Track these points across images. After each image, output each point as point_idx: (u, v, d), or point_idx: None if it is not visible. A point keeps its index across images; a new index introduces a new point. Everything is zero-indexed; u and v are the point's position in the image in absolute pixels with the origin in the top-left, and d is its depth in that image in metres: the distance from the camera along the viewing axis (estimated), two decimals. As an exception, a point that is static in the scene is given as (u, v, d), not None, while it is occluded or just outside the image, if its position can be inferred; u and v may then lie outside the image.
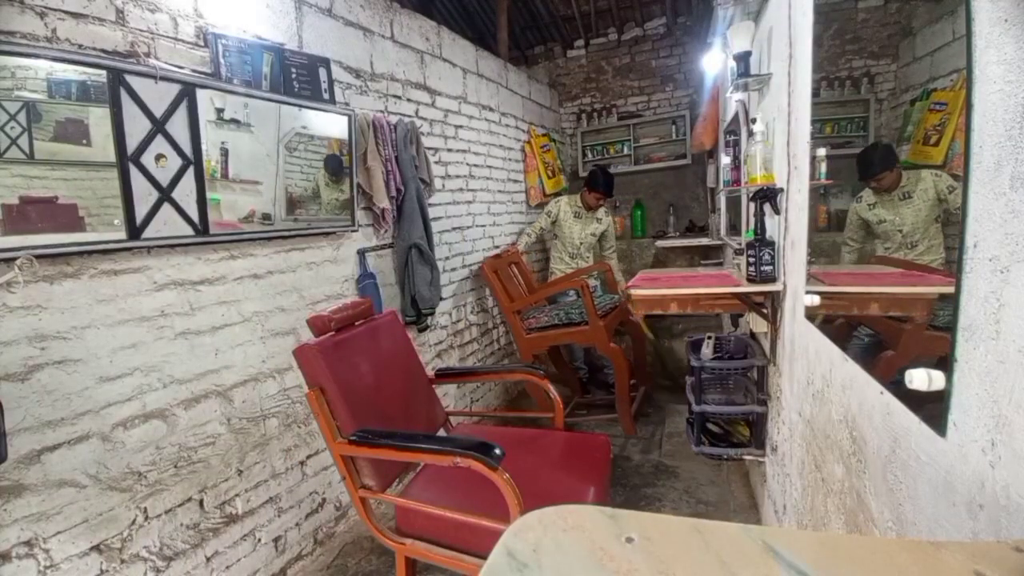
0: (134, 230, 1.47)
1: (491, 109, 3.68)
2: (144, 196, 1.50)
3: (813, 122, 1.26)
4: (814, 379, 1.26)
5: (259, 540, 1.87)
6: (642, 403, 3.25)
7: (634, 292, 1.85)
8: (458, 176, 3.26)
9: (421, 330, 2.80)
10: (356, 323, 1.76)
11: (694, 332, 2.51)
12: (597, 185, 3.49)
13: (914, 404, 0.73)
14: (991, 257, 0.56)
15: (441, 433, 1.94)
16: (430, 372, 2.02)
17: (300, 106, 1.98)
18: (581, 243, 3.65)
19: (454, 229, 3.20)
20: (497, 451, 1.29)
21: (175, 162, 1.57)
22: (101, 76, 1.38)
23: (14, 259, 1.22)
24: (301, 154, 2.02)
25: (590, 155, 5.09)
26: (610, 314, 3.02)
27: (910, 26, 0.90)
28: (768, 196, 1.61)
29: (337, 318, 1.65)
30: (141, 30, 1.51)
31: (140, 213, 1.49)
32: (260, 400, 1.89)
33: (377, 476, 1.51)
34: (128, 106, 1.44)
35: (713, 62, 2.86)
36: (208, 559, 1.69)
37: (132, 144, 1.46)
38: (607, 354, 2.92)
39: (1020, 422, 0.52)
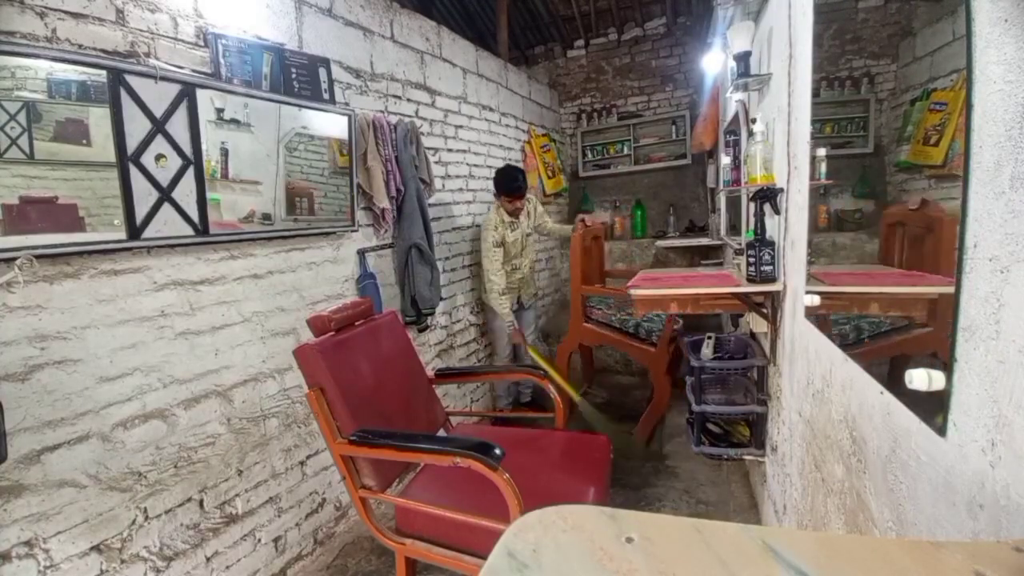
0: (134, 230, 1.47)
1: (491, 109, 3.68)
2: (144, 196, 1.50)
3: (813, 122, 1.25)
4: (814, 379, 1.26)
5: (259, 540, 1.87)
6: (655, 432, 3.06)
7: (634, 292, 1.85)
8: (458, 176, 3.26)
9: (421, 330, 2.80)
10: (356, 323, 1.76)
11: (694, 332, 2.51)
12: (511, 189, 2.97)
13: (914, 404, 0.73)
14: (991, 257, 0.56)
15: (441, 433, 1.94)
16: (430, 372, 2.01)
17: (300, 106, 1.98)
18: (523, 248, 3.27)
19: (454, 229, 3.20)
20: (497, 451, 1.29)
21: (175, 162, 1.57)
22: (101, 76, 1.38)
23: (14, 259, 1.22)
24: (301, 154, 2.02)
25: (590, 155, 5.10)
26: (673, 340, 2.89)
27: (910, 26, 0.90)
28: (768, 196, 1.61)
29: (337, 318, 1.65)
30: (141, 30, 1.51)
31: (140, 213, 1.49)
32: (260, 400, 1.89)
33: (377, 476, 1.51)
34: (128, 106, 1.44)
35: (713, 62, 2.86)
36: (208, 559, 1.69)
37: (132, 144, 1.46)
38: (657, 382, 2.75)
39: (1020, 422, 0.52)
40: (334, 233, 2.23)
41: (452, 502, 1.48)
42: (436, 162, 2.99)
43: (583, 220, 3.10)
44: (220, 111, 1.70)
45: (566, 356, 3.09)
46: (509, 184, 2.98)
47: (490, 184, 3.68)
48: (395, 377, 1.80)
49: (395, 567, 2.04)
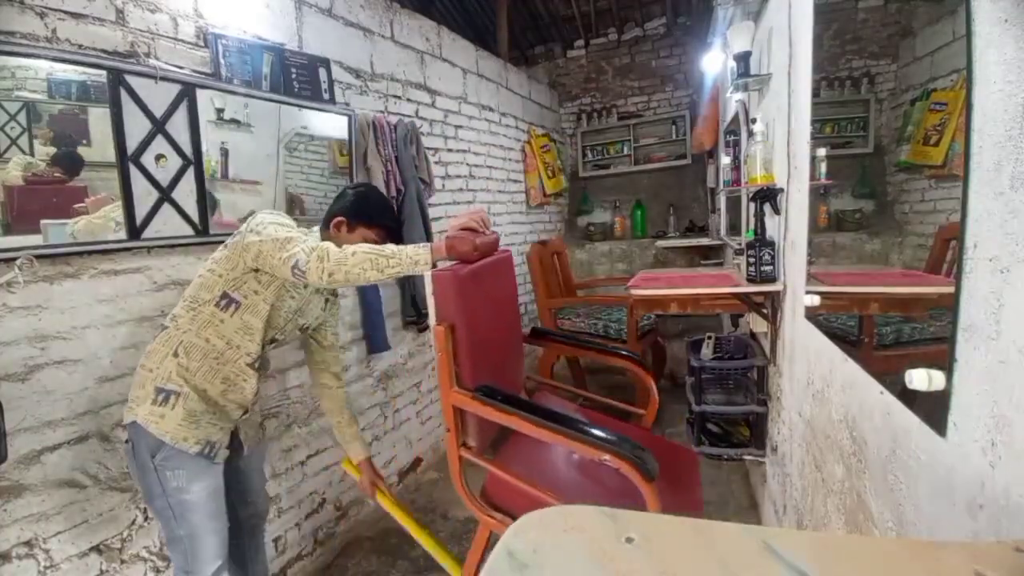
0: (134, 230, 1.47)
1: (491, 109, 3.68)
2: (144, 196, 1.50)
3: (813, 122, 1.26)
4: (814, 379, 1.26)
5: (259, 540, 1.87)
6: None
7: (634, 292, 1.85)
8: (458, 176, 3.26)
9: (421, 330, 2.80)
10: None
11: (694, 332, 2.51)
12: (378, 219, 1.46)
13: (914, 404, 0.73)
14: (991, 257, 0.56)
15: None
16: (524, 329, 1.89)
17: (300, 106, 1.98)
18: (292, 330, 1.51)
19: (454, 229, 3.20)
20: (652, 463, 1.16)
21: (175, 162, 1.57)
22: (101, 76, 1.38)
23: (14, 259, 1.22)
24: (301, 154, 2.02)
25: (590, 155, 5.10)
26: (647, 335, 2.89)
27: (910, 26, 0.90)
28: (768, 196, 1.61)
29: (482, 244, 1.34)
30: (141, 30, 1.51)
31: (140, 213, 1.49)
32: (260, 400, 1.89)
33: (480, 437, 1.37)
34: (128, 106, 1.44)
35: (713, 62, 2.86)
36: (208, 559, 1.69)
37: (132, 144, 1.46)
38: (636, 379, 2.74)
39: (1020, 422, 0.52)
40: (334, 233, 2.23)
41: (537, 477, 1.32)
42: (436, 162, 2.98)
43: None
44: (220, 111, 1.70)
45: (548, 368, 3.16)
46: (377, 212, 1.47)
47: (490, 183, 3.67)
48: (502, 326, 1.59)
49: (396, 567, 2.05)
